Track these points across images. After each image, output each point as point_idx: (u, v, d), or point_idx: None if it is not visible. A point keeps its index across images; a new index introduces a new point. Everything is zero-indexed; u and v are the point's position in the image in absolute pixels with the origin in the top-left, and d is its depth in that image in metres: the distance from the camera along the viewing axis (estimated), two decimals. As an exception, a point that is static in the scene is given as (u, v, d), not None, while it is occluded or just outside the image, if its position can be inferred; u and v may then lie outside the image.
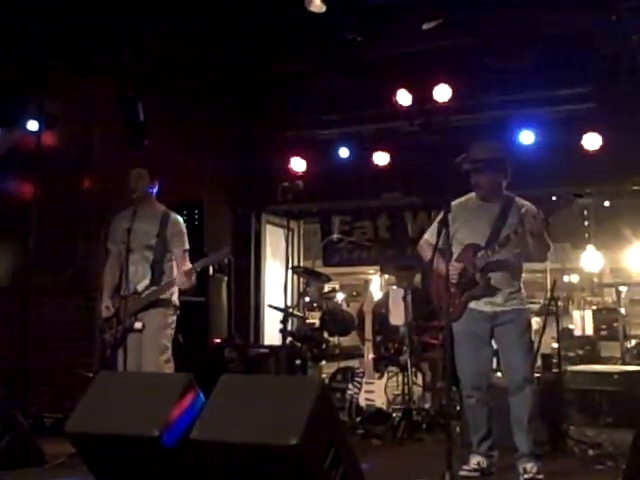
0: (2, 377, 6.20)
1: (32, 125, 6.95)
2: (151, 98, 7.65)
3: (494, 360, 5.47)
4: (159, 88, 8.00)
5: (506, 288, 4.70)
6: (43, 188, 7.02)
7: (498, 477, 4.52)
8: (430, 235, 4.89)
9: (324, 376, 7.29)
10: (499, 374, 5.12)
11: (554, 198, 4.48)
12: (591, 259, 11.42)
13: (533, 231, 4.50)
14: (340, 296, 8.17)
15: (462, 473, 4.52)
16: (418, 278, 7.62)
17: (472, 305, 4.74)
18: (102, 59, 7.20)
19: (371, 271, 12.17)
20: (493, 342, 4.83)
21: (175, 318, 5.52)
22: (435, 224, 4.69)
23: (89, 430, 4.12)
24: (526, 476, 4.38)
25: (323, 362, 7.71)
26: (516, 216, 4.70)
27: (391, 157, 8.73)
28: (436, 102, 8.13)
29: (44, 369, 6.81)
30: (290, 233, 9.61)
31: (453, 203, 4.76)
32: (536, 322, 6.71)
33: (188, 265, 5.44)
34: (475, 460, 4.70)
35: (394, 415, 6.29)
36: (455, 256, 4.82)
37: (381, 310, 6.96)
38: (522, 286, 4.80)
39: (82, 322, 7.02)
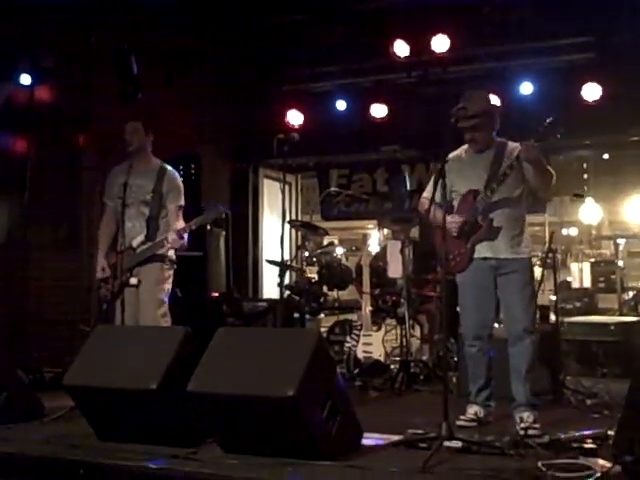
0: (1, 333, 6.21)
1: (25, 79, 6.87)
2: (148, 52, 7.57)
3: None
4: (156, 42, 7.91)
5: (509, 231, 4.67)
6: (38, 143, 6.97)
7: (495, 427, 4.54)
8: (428, 192, 4.86)
9: (322, 329, 7.31)
10: (497, 325, 5.12)
11: (544, 125, 4.46)
12: (589, 212, 11.42)
13: (530, 158, 4.49)
14: (339, 250, 8.15)
15: (459, 423, 4.55)
16: (417, 231, 7.62)
17: (476, 253, 4.73)
18: (97, 13, 7.11)
19: (370, 225, 12.15)
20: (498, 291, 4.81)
21: (172, 272, 5.51)
22: (432, 179, 4.66)
23: (87, 383, 4.16)
24: (522, 425, 4.40)
25: (321, 315, 7.74)
26: (510, 157, 4.67)
27: (389, 109, 8.65)
28: (434, 53, 8.05)
29: (43, 324, 6.84)
30: (288, 187, 9.60)
31: (448, 156, 4.75)
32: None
33: (181, 222, 5.41)
34: (472, 410, 4.72)
35: (392, 367, 6.33)
36: (456, 207, 4.81)
37: (379, 263, 6.97)
38: (526, 233, 4.78)
39: (79, 277, 7.02)
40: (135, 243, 5.39)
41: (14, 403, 4.69)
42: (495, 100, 4.86)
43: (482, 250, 4.72)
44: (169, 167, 5.63)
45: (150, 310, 5.32)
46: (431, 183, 4.69)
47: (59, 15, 6.85)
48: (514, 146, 4.74)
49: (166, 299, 5.43)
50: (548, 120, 4.47)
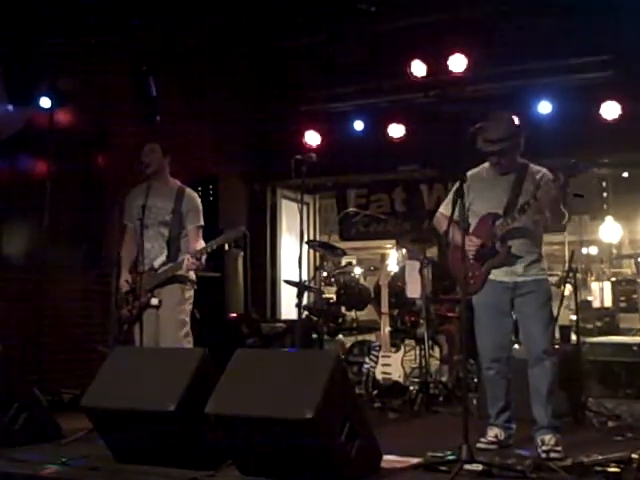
0: (20, 353, 6.22)
1: (45, 102, 6.92)
2: (165, 73, 7.62)
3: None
4: (173, 63, 7.97)
5: (527, 256, 4.65)
6: (57, 165, 7.01)
7: (516, 449, 4.49)
8: (445, 207, 4.84)
9: (341, 350, 7.27)
10: (517, 346, 5.07)
11: (573, 161, 4.38)
12: (610, 230, 11.32)
13: (549, 198, 4.44)
14: (357, 270, 8.12)
15: (479, 445, 4.50)
16: (435, 251, 7.58)
17: (492, 276, 4.70)
18: (115, 35, 7.17)
19: (388, 245, 12.12)
20: (513, 314, 4.77)
21: (192, 293, 5.51)
22: (450, 195, 4.64)
23: (105, 405, 4.15)
24: (544, 448, 4.35)
25: (340, 336, 7.70)
26: (532, 182, 4.64)
27: (406, 129, 8.65)
28: (451, 72, 8.06)
29: (61, 345, 6.85)
30: (305, 207, 9.60)
31: (467, 174, 4.72)
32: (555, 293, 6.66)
33: (201, 243, 5.42)
34: (493, 432, 4.67)
35: (411, 388, 6.28)
36: (472, 228, 4.78)
37: (397, 283, 6.93)
38: (543, 254, 4.75)
39: (98, 298, 7.04)
40: (157, 264, 5.40)
41: (32, 424, 4.69)
42: (520, 122, 4.78)
43: (499, 274, 4.69)
44: (188, 188, 5.65)
45: (172, 331, 5.31)
46: (449, 198, 4.66)
47: (77, 38, 6.91)
48: (537, 169, 4.71)
49: (187, 319, 5.42)
50: (573, 161, 4.37)
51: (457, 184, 4.32)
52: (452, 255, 4.85)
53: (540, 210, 4.58)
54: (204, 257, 5.37)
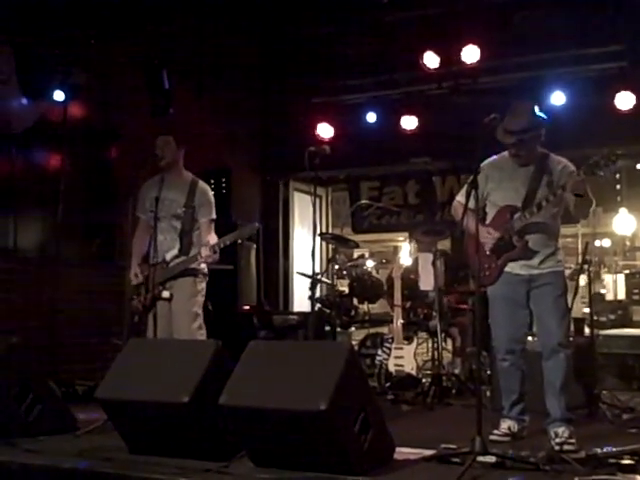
0: (34, 346, 6.26)
1: (58, 95, 6.94)
2: (177, 66, 7.63)
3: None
4: (186, 56, 7.98)
5: (543, 250, 4.62)
6: (71, 158, 7.04)
7: (529, 441, 4.48)
8: (462, 196, 4.80)
9: (354, 342, 7.28)
10: (530, 338, 5.06)
11: (595, 158, 4.31)
12: (623, 222, 11.25)
13: (579, 193, 4.40)
14: (370, 263, 8.12)
15: (493, 438, 4.49)
16: (447, 244, 7.57)
17: (508, 268, 4.68)
18: (128, 28, 7.18)
19: (400, 238, 12.09)
20: (530, 305, 4.74)
21: (204, 285, 5.52)
22: (466, 185, 4.60)
23: (119, 396, 4.17)
24: (557, 440, 4.34)
25: (352, 328, 7.71)
26: (552, 174, 4.60)
27: (419, 121, 8.62)
28: (464, 63, 8.01)
29: (76, 337, 6.89)
30: (318, 200, 9.58)
31: (485, 162, 4.70)
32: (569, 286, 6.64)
33: (213, 236, 5.42)
34: (506, 425, 4.66)
35: (424, 380, 6.28)
36: (489, 219, 4.76)
37: (410, 276, 6.93)
38: (559, 246, 4.73)
39: (112, 291, 7.07)
40: (169, 257, 5.41)
41: (47, 416, 4.72)
42: (541, 112, 4.72)
43: (515, 267, 4.67)
44: (201, 181, 5.66)
45: (185, 323, 5.33)
46: (465, 187, 4.63)
47: (90, 31, 6.93)
48: (557, 160, 4.67)
49: (200, 311, 5.44)
50: (595, 158, 4.29)
51: (472, 176, 4.29)
52: (468, 244, 4.83)
53: (560, 203, 4.55)
54: (218, 250, 5.38)
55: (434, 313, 6.48)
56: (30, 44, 6.65)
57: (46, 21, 6.63)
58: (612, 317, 8.90)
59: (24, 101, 6.76)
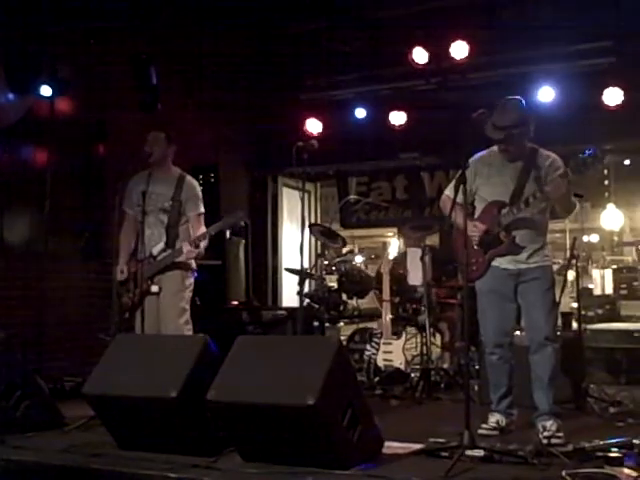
0: (21, 341, 6.23)
1: (45, 90, 6.90)
2: (165, 62, 7.60)
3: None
4: (173, 52, 7.95)
5: (531, 245, 4.64)
6: (58, 154, 7.00)
7: (517, 435, 4.49)
8: (450, 190, 4.80)
9: (342, 337, 7.29)
10: (518, 332, 5.07)
11: (582, 155, 4.31)
12: (611, 218, 11.32)
13: (557, 198, 4.43)
14: (359, 259, 8.13)
15: (481, 432, 4.50)
16: (436, 239, 7.57)
17: (496, 263, 4.69)
18: (115, 23, 7.15)
19: (389, 233, 12.13)
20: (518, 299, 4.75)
21: (192, 280, 5.53)
22: (454, 180, 4.60)
23: (107, 392, 4.16)
24: (545, 434, 4.35)
25: (341, 323, 7.72)
26: (540, 169, 4.61)
27: (408, 117, 8.62)
28: (453, 59, 8.02)
29: (63, 333, 6.86)
30: (307, 195, 9.58)
31: (473, 157, 4.70)
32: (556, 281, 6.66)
33: (202, 229, 5.42)
34: (494, 419, 4.68)
35: (412, 375, 6.29)
36: (478, 213, 4.77)
37: (399, 271, 6.93)
38: (547, 242, 4.74)
39: (99, 287, 7.03)
40: (155, 251, 5.41)
41: (34, 412, 4.70)
42: (529, 108, 4.72)
43: (502, 261, 4.68)
44: (189, 176, 5.65)
45: (172, 318, 5.33)
46: (454, 182, 4.62)
47: (77, 26, 6.89)
48: (546, 154, 4.68)
49: (187, 307, 5.44)
50: (588, 152, 4.28)
51: (460, 171, 4.29)
52: (456, 239, 4.83)
53: (547, 199, 4.57)
54: (203, 244, 5.37)
55: (423, 308, 6.49)
56: (17, 39, 6.60)
57: (33, 16, 6.59)
58: (600, 312, 8.95)
59: (11, 96, 6.71)
